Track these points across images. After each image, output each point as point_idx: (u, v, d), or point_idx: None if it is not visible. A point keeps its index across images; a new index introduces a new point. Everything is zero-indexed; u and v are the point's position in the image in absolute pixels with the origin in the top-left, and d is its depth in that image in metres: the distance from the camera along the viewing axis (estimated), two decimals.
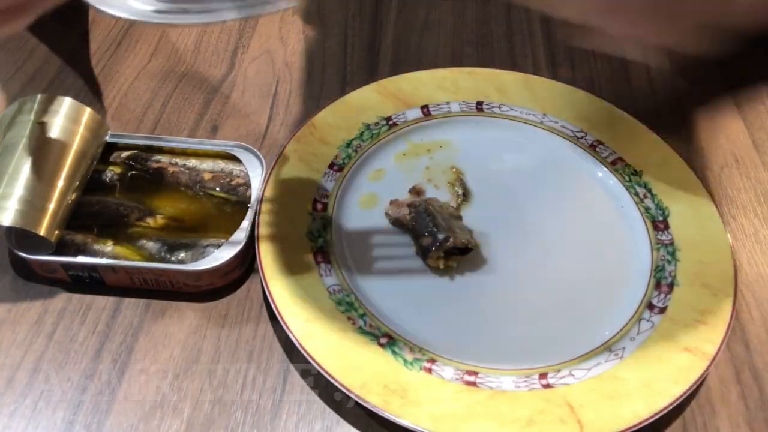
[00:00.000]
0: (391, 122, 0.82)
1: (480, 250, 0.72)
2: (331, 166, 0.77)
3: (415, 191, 0.77)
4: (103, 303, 0.68)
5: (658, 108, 0.89)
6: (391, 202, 0.75)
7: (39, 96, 0.73)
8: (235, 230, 0.70)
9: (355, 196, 0.77)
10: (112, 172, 0.76)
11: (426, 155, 0.81)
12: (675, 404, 0.60)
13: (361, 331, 0.64)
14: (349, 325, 0.65)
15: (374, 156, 0.80)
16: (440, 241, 0.69)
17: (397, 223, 0.74)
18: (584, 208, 0.77)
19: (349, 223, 0.74)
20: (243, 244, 0.68)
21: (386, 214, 0.75)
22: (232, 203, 0.74)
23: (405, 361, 0.63)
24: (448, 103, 0.84)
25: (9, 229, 0.67)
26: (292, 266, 0.68)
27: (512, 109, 0.84)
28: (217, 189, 0.74)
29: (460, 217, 0.74)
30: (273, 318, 0.67)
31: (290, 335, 0.62)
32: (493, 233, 0.74)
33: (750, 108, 0.90)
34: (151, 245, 0.70)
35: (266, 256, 0.68)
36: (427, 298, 0.69)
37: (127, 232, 0.71)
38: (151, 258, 0.69)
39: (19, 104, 0.72)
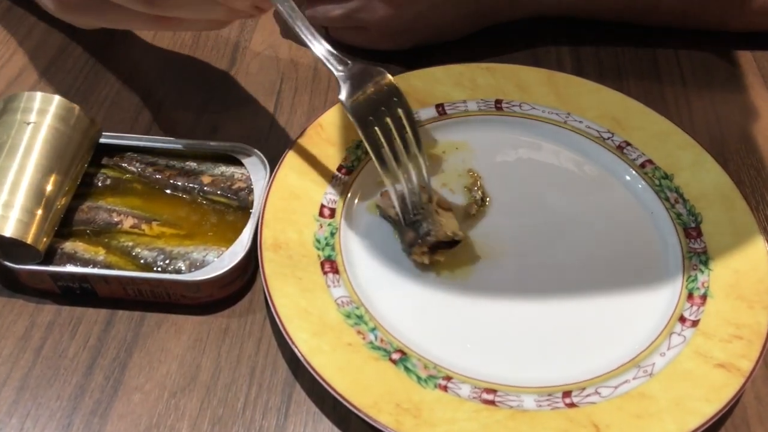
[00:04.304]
0: None
1: (497, 259, 0.73)
2: (339, 168, 0.77)
3: None
4: (94, 316, 0.69)
5: (690, 106, 0.89)
6: (382, 194, 0.75)
7: (26, 94, 0.73)
8: (237, 238, 0.70)
9: (365, 201, 0.77)
10: (104, 176, 0.77)
11: (441, 157, 0.81)
12: (708, 424, 0.60)
13: (372, 346, 0.65)
14: (359, 339, 0.65)
15: None
16: (421, 235, 0.70)
17: (386, 216, 0.74)
18: (611, 213, 0.77)
19: (358, 230, 0.74)
20: (245, 253, 0.68)
21: (377, 206, 0.75)
22: (234, 209, 0.74)
23: (419, 378, 0.63)
24: (464, 102, 0.85)
25: None
26: (297, 276, 0.68)
27: (534, 108, 0.84)
28: (218, 193, 0.75)
29: (449, 209, 0.74)
30: (277, 332, 0.68)
31: (295, 350, 0.63)
32: (512, 240, 0.74)
33: None
34: (146, 254, 0.70)
35: (270, 265, 0.68)
36: (442, 311, 0.69)
37: (121, 240, 0.72)
38: (146, 267, 0.69)
39: (4, 103, 0.73)
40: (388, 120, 0.70)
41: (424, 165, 0.72)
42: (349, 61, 0.71)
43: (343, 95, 0.70)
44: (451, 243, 0.71)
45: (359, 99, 0.70)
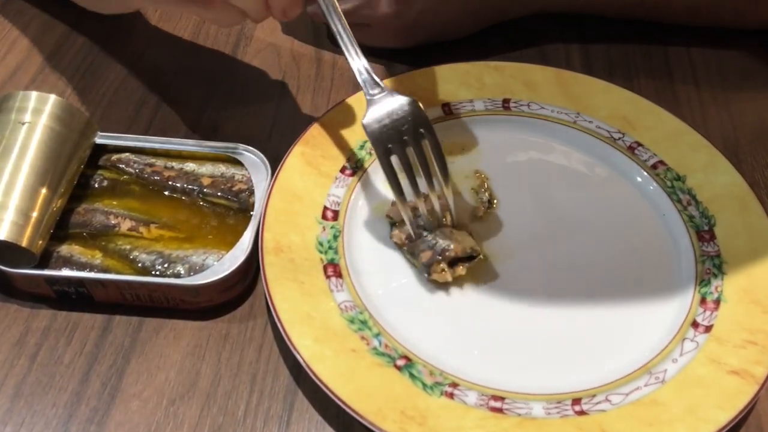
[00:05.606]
0: None
1: (505, 262, 0.72)
2: (343, 170, 0.77)
3: None
4: (91, 321, 0.69)
5: (702, 106, 0.89)
6: (394, 204, 0.75)
7: (21, 93, 0.73)
8: (237, 241, 0.70)
9: (369, 203, 0.77)
10: (101, 177, 0.77)
11: (447, 158, 0.80)
12: None
13: (376, 352, 0.65)
14: (363, 345, 0.65)
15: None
16: (440, 251, 0.69)
17: (396, 242, 0.74)
18: (621, 216, 0.77)
19: (362, 234, 0.74)
20: (245, 257, 0.68)
21: (387, 216, 0.75)
22: (234, 211, 0.74)
23: (424, 385, 0.63)
24: (471, 101, 0.84)
25: None
26: (299, 281, 0.68)
27: (542, 108, 0.84)
28: (218, 195, 0.75)
29: (462, 228, 0.74)
30: (278, 338, 0.68)
31: (297, 357, 0.63)
32: (520, 243, 0.74)
33: None
34: (144, 257, 0.70)
35: (271, 269, 0.68)
36: (448, 316, 0.69)
37: (118, 243, 0.71)
38: (144, 271, 0.69)
39: None
40: (411, 150, 0.70)
41: (450, 203, 0.71)
42: (383, 85, 0.72)
43: (366, 119, 0.70)
44: (469, 258, 0.71)
45: (382, 125, 0.70)
